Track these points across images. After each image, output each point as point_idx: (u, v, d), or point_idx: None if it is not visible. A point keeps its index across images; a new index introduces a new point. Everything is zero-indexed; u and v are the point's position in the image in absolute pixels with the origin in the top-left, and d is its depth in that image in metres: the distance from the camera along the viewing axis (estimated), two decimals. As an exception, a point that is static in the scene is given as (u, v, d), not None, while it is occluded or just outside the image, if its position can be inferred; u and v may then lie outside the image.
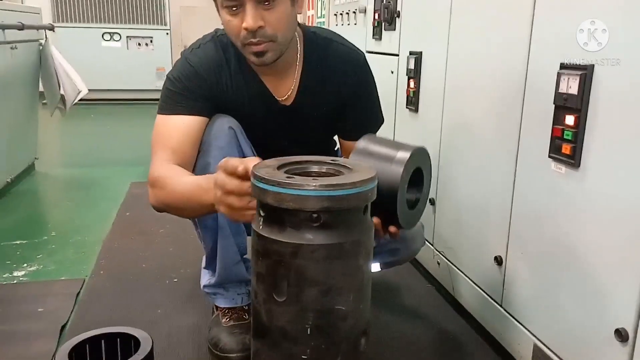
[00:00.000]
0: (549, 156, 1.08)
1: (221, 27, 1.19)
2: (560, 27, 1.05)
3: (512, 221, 1.26)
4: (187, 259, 1.87)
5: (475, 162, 1.43)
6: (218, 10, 1.14)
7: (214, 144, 1.19)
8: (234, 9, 1.09)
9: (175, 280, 1.75)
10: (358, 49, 1.32)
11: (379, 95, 1.38)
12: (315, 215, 0.71)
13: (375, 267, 1.36)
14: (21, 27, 2.39)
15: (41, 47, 2.92)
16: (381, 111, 1.39)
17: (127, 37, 5.95)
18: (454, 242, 1.57)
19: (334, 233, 0.72)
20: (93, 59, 5.69)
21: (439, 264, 1.63)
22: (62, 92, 2.98)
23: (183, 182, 1.04)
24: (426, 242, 1.62)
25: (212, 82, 1.22)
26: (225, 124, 1.21)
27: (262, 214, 0.76)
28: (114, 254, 1.95)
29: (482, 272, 1.41)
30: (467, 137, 1.47)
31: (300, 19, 1.32)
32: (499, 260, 1.32)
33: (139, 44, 6.02)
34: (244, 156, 1.21)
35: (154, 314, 1.53)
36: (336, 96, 1.29)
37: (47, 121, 4.50)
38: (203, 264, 1.46)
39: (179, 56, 1.28)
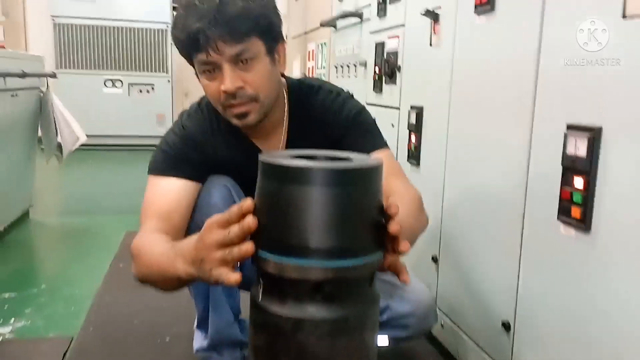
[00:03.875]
0: (558, 219, 1.05)
1: None
2: (568, 84, 1.04)
3: (520, 285, 1.21)
4: (180, 316, 1.80)
5: (480, 220, 1.39)
6: (198, 77, 1.12)
7: (208, 200, 1.16)
8: (211, 72, 1.07)
9: (168, 339, 1.68)
10: (341, 89, 1.29)
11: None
12: (318, 286, 0.67)
13: (383, 340, 1.31)
14: (23, 75, 2.40)
15: (42, 95, 2.92)
16: (381, 136, 1.28)
17: (129, 84, 6.01)
18: (458, 303, 1.51)
19: (338, 306, 0.68)
20: (94, 105, 5.74)
21: (442, 325, 1.57)
22: (59, 140, 2.96)
23: (156, 252, 0.96)
24: (429, 301, 1.57)
25: (206, 147, 1.20)
26: (220, 182, 1.18)
27: (261, 282, 0.71)
28: (104, 309, 1.88)
29: (488, 336, 1.35)
30: (471, 195, 1.44)
31: (298, 70, 1.31)
32: (506, 326, 1.26)
33: (140, 91, 6.08)
34: None
35: (144, 376, 1.46)
36: (326, 139, 1.23)
37: (45, 167, 4.48)
38: (195, 324, 1.40)
39: (180, 104, 1.26)
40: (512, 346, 1.25)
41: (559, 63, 1.05)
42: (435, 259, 1.62)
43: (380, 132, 1.28)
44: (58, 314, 1.87)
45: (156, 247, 0.98)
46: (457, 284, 1.51)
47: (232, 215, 0.71)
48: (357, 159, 0.74)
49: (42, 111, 2.95)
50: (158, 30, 5.94)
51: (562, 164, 1.03)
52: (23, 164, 2.92)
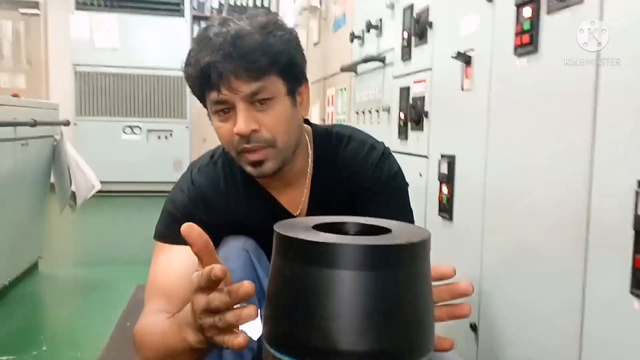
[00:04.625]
0: (631, 292, 0.88)
1: None
2: (633, 130, 0.89)
3: (581, 364, 1.03)
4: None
5: (529, 282, 1.22)
6: (210, 118, 1.00)
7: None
8: (224, 112, 0.95)
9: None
10: (376, 141, 1.15)
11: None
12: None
13: None
14: (33, 124, 2.32)
15: (55, 143, 2.85)
16: (411, 210, 1.16)
17: (148, 130, 5.99)
18: (502, 379, 1.32)
19: None
20: (113, 151, 5.73)
21: (485, 405, 1.38)
22: (73, 188, 2.87)
23: (160, 331, 0.83)
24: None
25: (219, 206, 1.06)
26: (238, 245, 1.03)
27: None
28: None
29: None
30: (515, 254, 1.27)
31: (317, 115, 1.18)
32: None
33: (159, 137, 6.06)
34: (260, 281, 1.01)
35: None
36: (352, 197, 1.10)
37: (58, 215, 4.41)
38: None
39: (198, 150, 1.13)
40: None
41: (623, 107, 0.91)
42: (474, 327, 1.44)
43: (409, 203, 1.15)
44: (57, 382, 1.71)
45: (159, 326, 0.84)
46: (502, 354, 1.33)
47: (202, 280, 0.64)
48: (400, 231, 0.59)
49: (55, 159, 2.88)
50: (176, 77, 5.95)
51: (635, 228, 0.86)
52: (33, 214, 2.82)
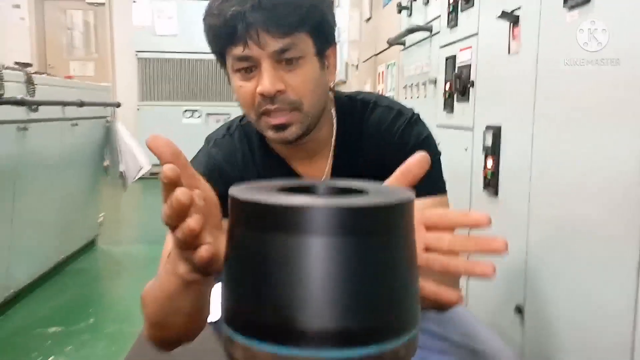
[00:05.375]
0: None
1: None
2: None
3: (636, 348, 0.91)
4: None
5: (578, 268, 1.09)
6: (229, 78, 0.92)
7: None
8: (247, 71, 0.86)
9: (204, 391, 1.49)
10: (404, 106, 1.05)
11: (450, 171, 1.07)
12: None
13: None
14: (80, 104, 2.36)
15: (108, 124, 2.92)
16: (442, 177, 1.02)
17: (207, 113, 6.09)
18: (548, 367, 1.20)
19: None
20: (174, 135, 5.74)
21: (528, 395, 1.26)
22: (121, 169, 2.94)
23: (157, 284, 0.76)
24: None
25: (236, 179, 0.99)
26: None
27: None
28: (145, 352, 1.72)
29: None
30: (565, 229, 1.15)
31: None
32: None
33: (218, 120, 6.14)
34: None
35: None
36: (380, 167, 0.99)
37: (116, 195, 4.57)
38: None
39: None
40: None
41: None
42: (519, 309, 1.32)
43: (442, 172, 1.02)
44: (98, 354, 1.75)
45: (157, 279, 0.76)
46: (550, 340, 1.21)
47: (167, 213, 0.53)
48: (377, 192, 0.51)
49: (108, 140, 2.95)
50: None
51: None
52: (88, 193, 2.91)
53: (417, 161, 0.62)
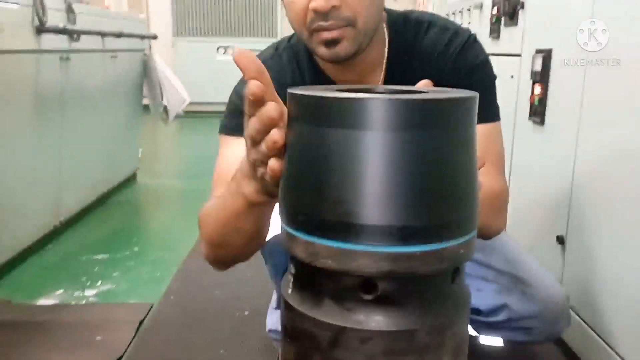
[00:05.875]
0: None
1: None
2: None
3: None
4: (263, 287, 1.65)
5: (630, 189, 1.06)
6: None
7: None
8: None
9: (247, 313, 1.54)
10: (461, 27, 0.99)
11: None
12: (371, 283, 0.44)
13: (497, 341, 1.06)
14: (119, 35, 2.36)
15: (145, 57, 2.91)
16: (497, 105, 0.99)
17: (241, 50, 6.02)
18: (592, 298, 1.19)
19: (400, 313, 0.45)
20: (208, 71, 5.83)
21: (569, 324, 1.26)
22: (164, 102, 2.95)
23: (219, 196, 0.76)
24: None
25: (285, 100, 0.97)
26: None
27: (292, 271, 0.50)
28: (189, 276, 1.79)
29: (634, 346, 1.03)
30: (615, 158, 1.11)
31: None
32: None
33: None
34: None
35: (216, 354, 1.33)
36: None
37: (155, 131, 4.62)
38: (273, 304, 1.23)
39: None
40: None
41: None
42: (561, 240, 1.30)
43: (496, 97, 0.98)
44: (143, 279, 1.81)
45: (219, 198, 0.77)
46: (591, 271, 1.19)
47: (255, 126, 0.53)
48: (436, 91, 0.49)
49: (146, 74, 2.96)
50: (268, -6, 5.86)
51: None
52: (128, 127, 2.95)
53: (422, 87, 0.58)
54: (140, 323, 1.47)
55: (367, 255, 0.42)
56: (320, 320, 0.45)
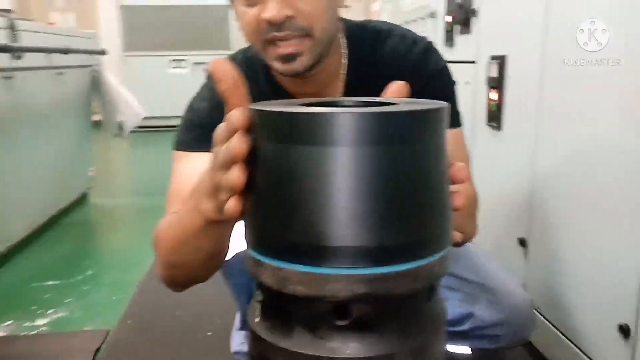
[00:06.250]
0: None
1: None
2: None
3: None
4: (226, 307, 1.60)
5: (587, 192, 1.07)
6: (232, 2, 0.83)
7: None
8: None
9: (210, 333, 1.49)
10: (419, 35, 0.99)
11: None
12: (344, 308, 0.41)
13: (465, 350, 1.05)
14: (65, 51, 2.27)
15: (95, 73, 2.82)
16: (458, 113, 0.99)
17: (194, 63, 5.94)
18: (554, 298, 1.20)
19: (377, 338, 0.42)
20: (160, 85, 5.72)
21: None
22: (120, 118, 2.87)
23: (174, 215, 0.72)
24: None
25: None
26: None
27: (259, 298, 0.46)
28: (147, 298, 1.72)
29: (598, 343, 1.04)
30: (573, 162, 1.12)
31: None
32: (625, 330, 0.95)
33: (205, 70, 5.98)
34: None
35: (179, 379, 1.27)
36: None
37: (106, 149, 4.49)
38: (237, 324, 1.19)
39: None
40: (633, 358, 0.94)
41: None
42: (523, 242, 1.31)
43: (457, 103, 0.97)
44: (99, 304, 1.74)
45: (176, 215, 0.72)
46: (553, 272, 1.20)
47: (221, 132, 0.48)
48: (404, 102, 0.47)
49: (97, 90, 2.86)
50: (219, 6, 5.81)
51: None
52: (78, 145, 2.84)
53: (395, 91, 0.56)
54: (97, 351, 1.40)
55: (340, 278, 0.39)
56: (292, 351, 0.42)
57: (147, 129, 5.37)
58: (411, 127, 0.41)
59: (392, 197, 0.40)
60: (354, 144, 0.39)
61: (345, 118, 0.39)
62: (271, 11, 0.77)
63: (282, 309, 0.43)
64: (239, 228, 0.98)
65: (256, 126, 0.45)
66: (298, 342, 0.42)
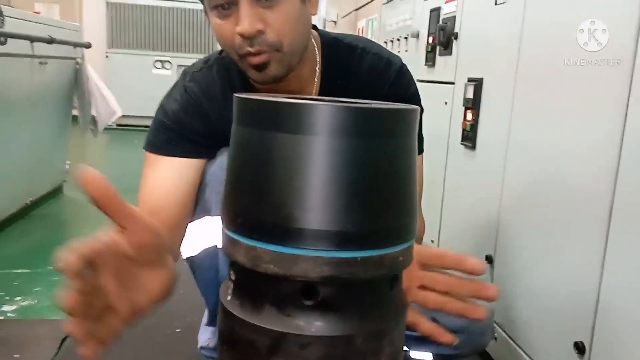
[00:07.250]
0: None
1: None
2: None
3: (601, 297, 0.95)
4: (196, 305, 1.61)
5: (550, 214, 1.12)
6: (207, 13, 0.88)
7: (219, 175, 0.93)
8: (225, 8, 0.82)
9: (178, 330, 1.50)
10: (394, 55, 1.03)
11: (429, 126, 1.09)
12: (311, 288, 0.44)
13: (427, 355, 1.08)
14: (50, 41, 2.27)
15: (77, 66, 2.81)
16: (422, 140, 1.04)
17: (178, 65, 5.93)
18: (517, 314, 1.25)
19: (339, 319, 0.45)
20: (143, 85, 5.68)
21: (495, 338, 1.31)
22: (94, 113, 2.85)
23: None
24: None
25: (215, 114, 0.96)
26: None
27: (232, 277, 0.49)
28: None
29: (554, 358, 1.09)
30: (539, 184, 1.17)
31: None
32: (580, 347, 1.00)
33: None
34: None
35: (144, 373, 1.28)
36: None
37: (86, 145, 4.45)
38: (204, 320, 1.21)
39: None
40: (585, 373, 0.99)
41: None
42: (489, 259, 1.36)
43: (422, 129, 1.03)
44: (67, 294, 1.73)
45: None
46: (516, 289, 1.25)
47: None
48: (379, 103, 0.51)
49: (77, 83, 2.85)
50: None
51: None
52: (55, 136, 2.82)
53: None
54: (63, 340, 1.40)
55: (308, 259, 0.43)
56: (260, 326, 0.45)
57: (127, 128, 5.35)
58: (383, 124, 0.45)
59: (360, 187, 0.43)
60: (327, 134, 0.43)
61: (322, 110, 0.43)
62: (244, 26, 0.81)
63: (254, 287, 0.46)
64: (205, 225, 1.01)
65: (237, 113, 0.48)
66: (266, 318, 0.45)
